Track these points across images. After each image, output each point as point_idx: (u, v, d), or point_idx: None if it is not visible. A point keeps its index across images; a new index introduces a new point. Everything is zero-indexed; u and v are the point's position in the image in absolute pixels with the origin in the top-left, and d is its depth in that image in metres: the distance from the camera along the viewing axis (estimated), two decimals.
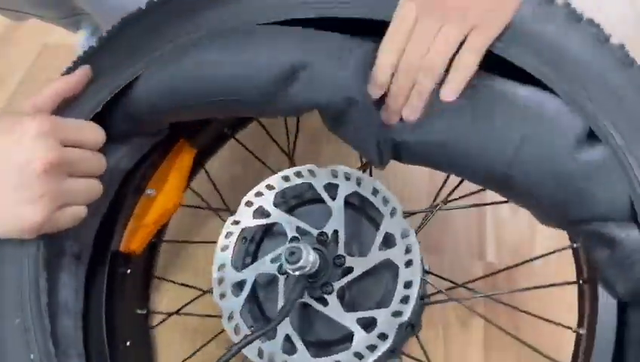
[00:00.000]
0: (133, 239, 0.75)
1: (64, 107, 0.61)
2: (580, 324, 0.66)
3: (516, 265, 0.71)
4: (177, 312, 0.74)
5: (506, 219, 0.93)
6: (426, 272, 0.74)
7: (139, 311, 0.81)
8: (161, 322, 0.76)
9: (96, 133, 0.58)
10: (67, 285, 0.66)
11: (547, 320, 0.68)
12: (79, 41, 0.93)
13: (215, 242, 0.88)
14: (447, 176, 0.72)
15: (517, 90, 0.55)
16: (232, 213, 0.77)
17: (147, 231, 0.75)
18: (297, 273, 0.58)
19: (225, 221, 0.81)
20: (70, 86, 0.61)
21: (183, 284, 0.80)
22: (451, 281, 0.72)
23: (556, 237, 0.67)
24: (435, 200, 0.73)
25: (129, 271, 0.78)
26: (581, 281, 0.63)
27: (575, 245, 0.66)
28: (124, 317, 0.76)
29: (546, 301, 0.77)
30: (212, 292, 0.70)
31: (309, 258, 0.58)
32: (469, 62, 0.53)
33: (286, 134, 0.82)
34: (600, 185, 0.53)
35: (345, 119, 0.59)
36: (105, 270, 0.74)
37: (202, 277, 0.93)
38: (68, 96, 0.61)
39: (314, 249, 0.60)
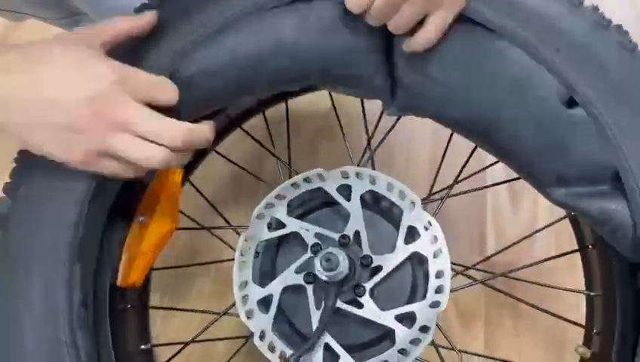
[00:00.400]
0: (130, 271, 0.70)
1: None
2: (588, 287, 0.70)
3: (519, 241, 0.73)
4: (194, 340, 0.71)
5: (507, 217, 0.95)
6: None
7: (143, 347, 0.76)
8: (177, 353, 0.71)
9: (169, 92, 0.53)
10: (83, 337, 0.61)
11: (560, 288, 0.71)
12: None
13: (210, 262, 0.86)
14: (439, 165, 0.74)
15: (495, 39, 0.55)
16: (234, 228, 0.75)
17: (145, 261, 0.71)
18: (331, 279, 0.57)
19: (218, 237, 0.79)
20: (138, 29, 0.56)
21: (192, 310, 0.76)
22: (460, 265, 0.73)
23: (556, 229, 0.70)
24: (431, 189, 0.74)
25: (129, 306, 0.73)
26: (590, 246, 0.66)
27: (573, 213, 0.70)
28: (132, 356, 0.72)
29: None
30: (227, 314, 0.68)
31: (345, 263, 0.57)
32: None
33: (270, 142, 0.80)
34: (581, 137, 0.54)
35: (351, 70, 0.58)
36: (106, 310, 0.69)
37: (200, 300, 0.90)
38: (132, 37, 0.56)
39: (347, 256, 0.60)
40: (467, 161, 0.70)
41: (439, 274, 0.60)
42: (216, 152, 0.84)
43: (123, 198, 0.71)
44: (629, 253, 0.57)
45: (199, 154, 0.85)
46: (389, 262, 0.61)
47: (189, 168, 0.84)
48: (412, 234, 0.62)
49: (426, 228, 0.62)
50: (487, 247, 0.90)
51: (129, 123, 0.50)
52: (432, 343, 0.67)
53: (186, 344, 0.71)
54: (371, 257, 0.62)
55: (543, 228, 0.73)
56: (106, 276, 0.70)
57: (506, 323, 0.87)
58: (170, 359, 0.72)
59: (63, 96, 0.49)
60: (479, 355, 0.74)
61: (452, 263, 0.73)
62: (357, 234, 0.63)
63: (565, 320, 0.70)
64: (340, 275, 0.57)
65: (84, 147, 0.51)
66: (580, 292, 0.69)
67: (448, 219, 0.92)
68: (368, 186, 0.64)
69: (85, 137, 0.50)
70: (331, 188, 0.65)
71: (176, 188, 0.74)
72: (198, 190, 0.81)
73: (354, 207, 0.64)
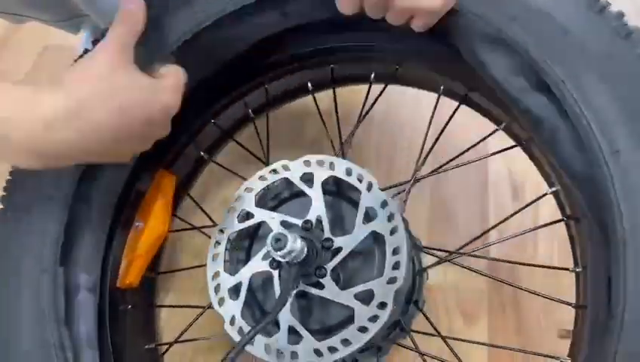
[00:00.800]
0: (128, 273, 0.75)
1: None
2: (575, 263, 0.67)
3: (506, 219, 0.71)
4: (177, 341, 0.74)
5: (509, 211, 0.93)
6: (419, 248, 0.75)
7: (147, 347, 0.80)
8: (165, 351, 0.75)
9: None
10: (87, 319, 0.67)
11: (543, 266, 0.68)
12: (80, 41, 0.90)
13: None
14: (422, 149, 0.74)
15: None
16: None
17: (141, 263, 0.76)
18: (286, 259, 0.59)
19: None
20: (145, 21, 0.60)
21: (179, 306, 0.80)
22: (445, 250, 0.72)
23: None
24: (414, 173, 0.75)
25: (130, 306, 0.78)
26: (565, 218, 0.64)
27: (553, 188, 0.68)
28: (136, 356, 0.76)
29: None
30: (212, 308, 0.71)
31: (296, 243, 0.59)
32: None
33: (261, 146, 0.84)
34: None
35: None
36: (106, 307, 0.74)
37: (203, 295, 0.93)
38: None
39: (301, 238, 0.61)
40: (432, 148, 0.70)
41: (396, 251, 0.61)
42: (214, 162, 0.89)
43: (124, 209, 0.77)
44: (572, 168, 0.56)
45: (197, 166, 0.91)
46: (348, 242, 0.62)
47: (187, 181, 0.90)
48: (370, 215, 0.63)
49: (383, 207, 0.62)
50: (490, 237, 0.88)
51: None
52: (402, 328, 0.67)
53: (171, 344, 0.75)
54: (332, 239, 0.63)
55: (524, 207, 0.71)
56: (107, 280, 0.75)
57: (509, 318, 0.84)
58: (163, 354, 0.75)
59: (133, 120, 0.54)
60: (463, 340, 0.72)
61: (437, 249, 0.74)
62: (319, 219, 0.65)
63: (556, 300, 0.67)
64: (291, 255, 0.58)
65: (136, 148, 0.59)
66: (563, 269, 0.66)
67: (449, 217, 0.91)
68: (329, 172, 0.66)
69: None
70: (295, 177, 0.67)
71: (169, 195, 0.80)
72: (195, 202, 0.86)
73: (316, 193, 0.65)
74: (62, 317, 0.64)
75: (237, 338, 0.63)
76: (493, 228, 0.72)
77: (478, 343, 0.75)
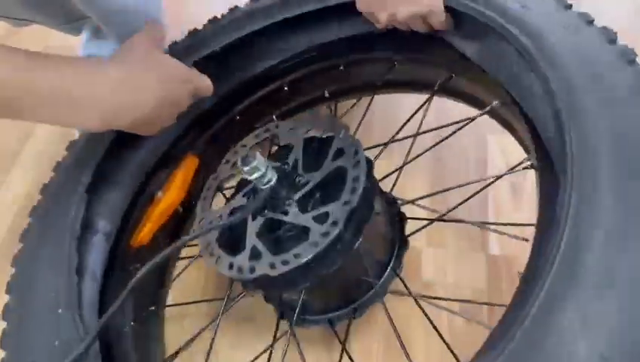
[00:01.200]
0: (141, 232, 0.84)
1: None
2: None
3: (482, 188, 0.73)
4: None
5: (509, 211, 0.93)
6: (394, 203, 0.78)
7: (151, 308, 0.85)
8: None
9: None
10: (96, 258, 0.76)
11: (514, 224, 0.68)
12: (81, 42, 0.93)
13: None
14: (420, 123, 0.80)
15: None
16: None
17: (152, 225, 0.84)
18: (254, 177, 0.65)
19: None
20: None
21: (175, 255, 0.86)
22: (428, 219, 0.74)
23: None
24: (408, 153, 0.80)
25: (138, 265, 0.85)
26: (530, 164, 0.66)
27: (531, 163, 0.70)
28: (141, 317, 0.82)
29: None
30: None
31: (261, 163, 0.65)
32: None
33: None
34: None
35: None
36: (118, 259, 0.82)
37: None
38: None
39: (277, 175, 0.68)
40: (406, 123, 0.76)
41: (355, 180, 0.65)
42: None
43: (152, 184, 0.88)
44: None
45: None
46: (315, 176, 0.68)
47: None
48: (339, 154, 0.68)
49: (350, 147, 0.68)
50: (489, 246, 0.87)
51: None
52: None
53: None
54: (303, 175, 0.69)
55: (502, 175, 0.72)
56: (125, 238, 0.84)
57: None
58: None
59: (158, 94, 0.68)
60: (439, 298, 0.70)
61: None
62: (297, 161, 0.71)
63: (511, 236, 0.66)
64: (258, 172, 0.65)
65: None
66: (529, 225, 0.65)
67: (448, 202, 0.91)
68: (311, 125, 0.73)
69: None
70: (283, 132, 0.75)
71: (189, 172, 0.90)
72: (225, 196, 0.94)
73: (297, 140, 0.73)
74: (77, 232, 0.72)
75: (207, 259, 0.68)
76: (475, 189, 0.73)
77: (450, 300, 0.74)
